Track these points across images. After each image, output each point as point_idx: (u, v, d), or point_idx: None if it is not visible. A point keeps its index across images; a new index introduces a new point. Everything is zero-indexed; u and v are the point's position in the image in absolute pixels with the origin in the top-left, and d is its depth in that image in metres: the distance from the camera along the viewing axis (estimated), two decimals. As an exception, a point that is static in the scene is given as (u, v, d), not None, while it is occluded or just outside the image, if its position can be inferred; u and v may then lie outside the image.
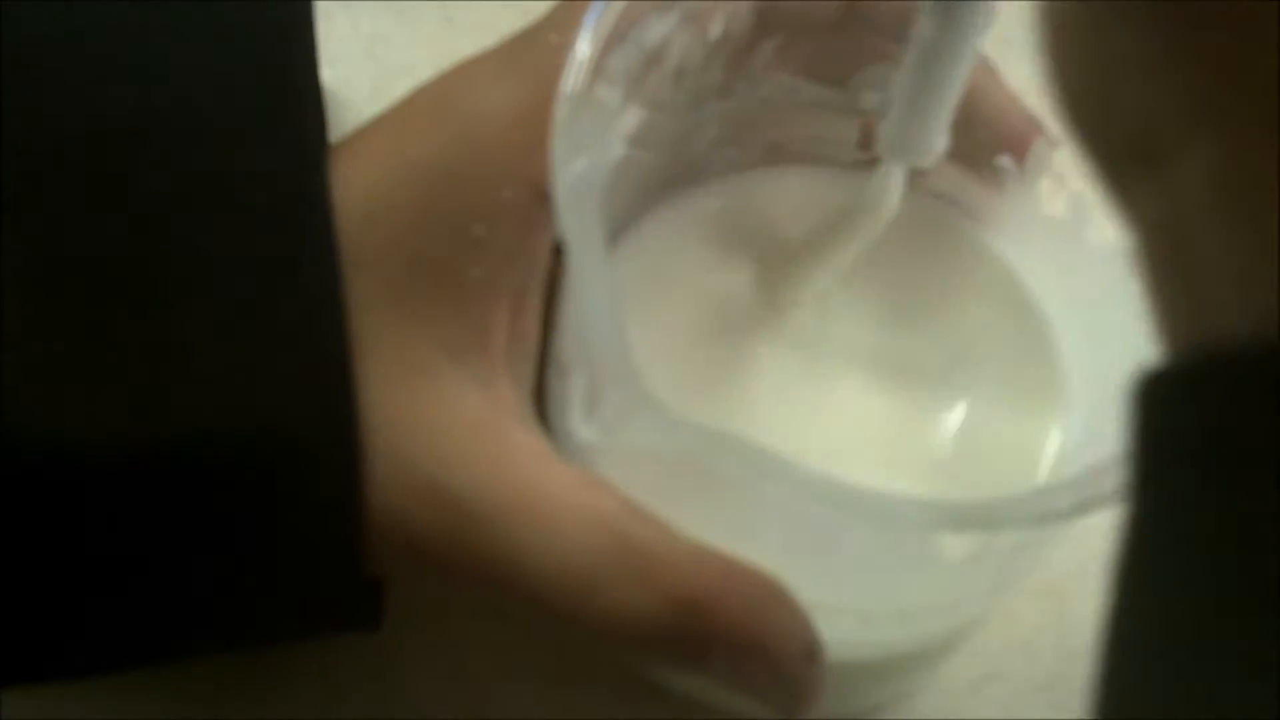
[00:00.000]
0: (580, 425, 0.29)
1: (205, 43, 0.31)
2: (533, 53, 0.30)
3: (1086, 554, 0.39)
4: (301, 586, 0.30)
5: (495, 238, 0.29)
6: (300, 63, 0.31)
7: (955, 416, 0.33)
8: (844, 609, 0.30)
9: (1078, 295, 0.34)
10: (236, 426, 0.28)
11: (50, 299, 0.28)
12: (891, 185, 0.32)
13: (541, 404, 0.32)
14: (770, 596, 0.28)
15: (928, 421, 0.33)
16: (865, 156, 0.35)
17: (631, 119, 0.30)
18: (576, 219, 0.26)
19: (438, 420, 0.29)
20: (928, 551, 0.27)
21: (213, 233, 0.29)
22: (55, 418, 0.27)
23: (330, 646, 0.36)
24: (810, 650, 0.28)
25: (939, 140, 0.31)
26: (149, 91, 0.30)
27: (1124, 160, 0.19)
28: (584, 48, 0.27)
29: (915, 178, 0.35)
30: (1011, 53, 0.33)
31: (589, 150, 0.27)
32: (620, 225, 0.34)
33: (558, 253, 0.31)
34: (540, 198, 0.29)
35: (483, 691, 0.36)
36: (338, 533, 0.29)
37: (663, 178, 0.34)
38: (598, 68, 0.28)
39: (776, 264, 0.34)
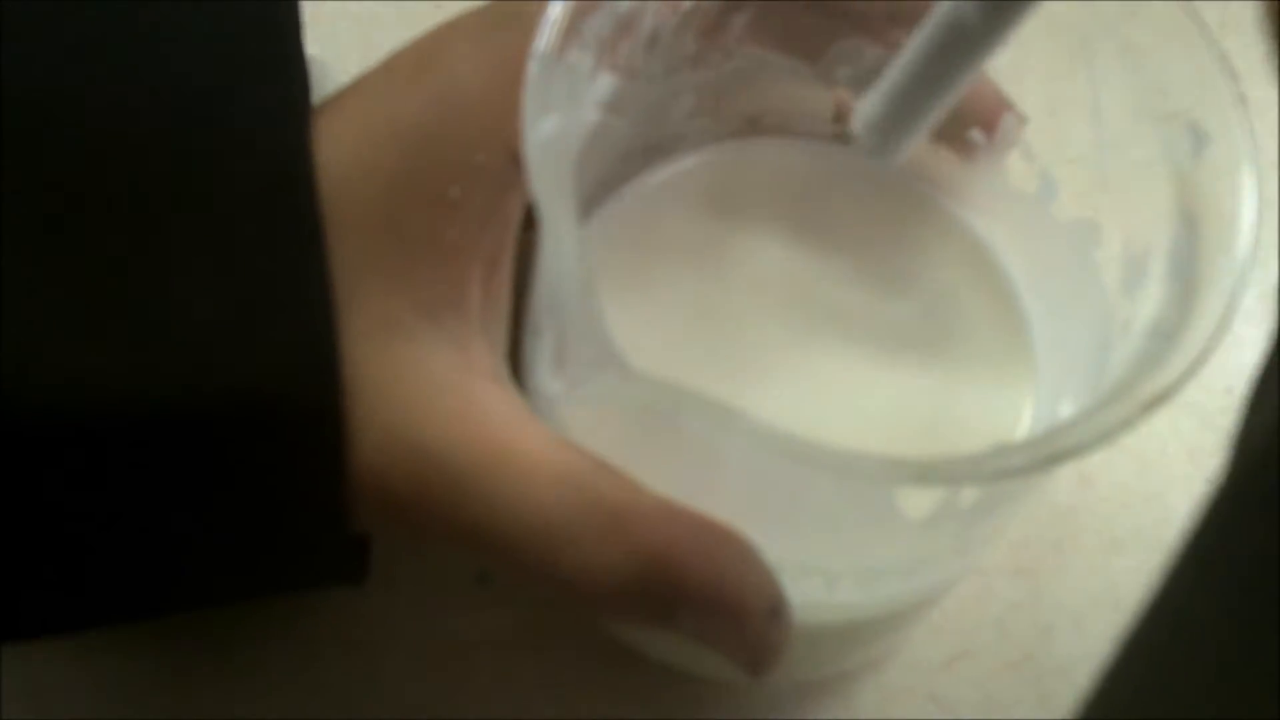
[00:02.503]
0: (548, 379, 0.29)
1: (189, 9, 0.31)
2: (509, 18, 0.30)
3: (1061, 533, 0.39)
4: (287, 541, 0.31)
5: (470, 200, 0.30)
6: (285, 28, 0.32)
7: (932, 384, 0.34)
8: (808, 569, 0.30)
9: (1044, 267, 0.34)
10: (222, 384, 0.28)
11: (37, 261, 0.28)
12: None
13: (517, 364, 0.32)
14: (736, 553, 0.29)
15: (905, 388, 0.34)
16: (840, 130, 0.36)
17: (604, 85, 0.30)
18: (545, 175, 0.26)
19: (414, 379, 0.29)
20: (888, 509, 0.28)
21: (198, 195, 0.29)
22: (43, 378, 0.28)
23: (307, 611, 0.37)
24: (775, 607, 0.29)
25: (920, 138, 0.30)
26: (132, 56, 0.30)
27: None
28: (556, 10, 0.28)
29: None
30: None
31: (560, 111, 0.28)
32: (598, 192, 0.35)
33: (530, 216, 0.31)
34: (514, 161, 0.29)
35: (461, 666, 0.37)
36: (322, 488, 0.29)
37: (640, 146, 0.35)
38: (570, 31, 0.28)
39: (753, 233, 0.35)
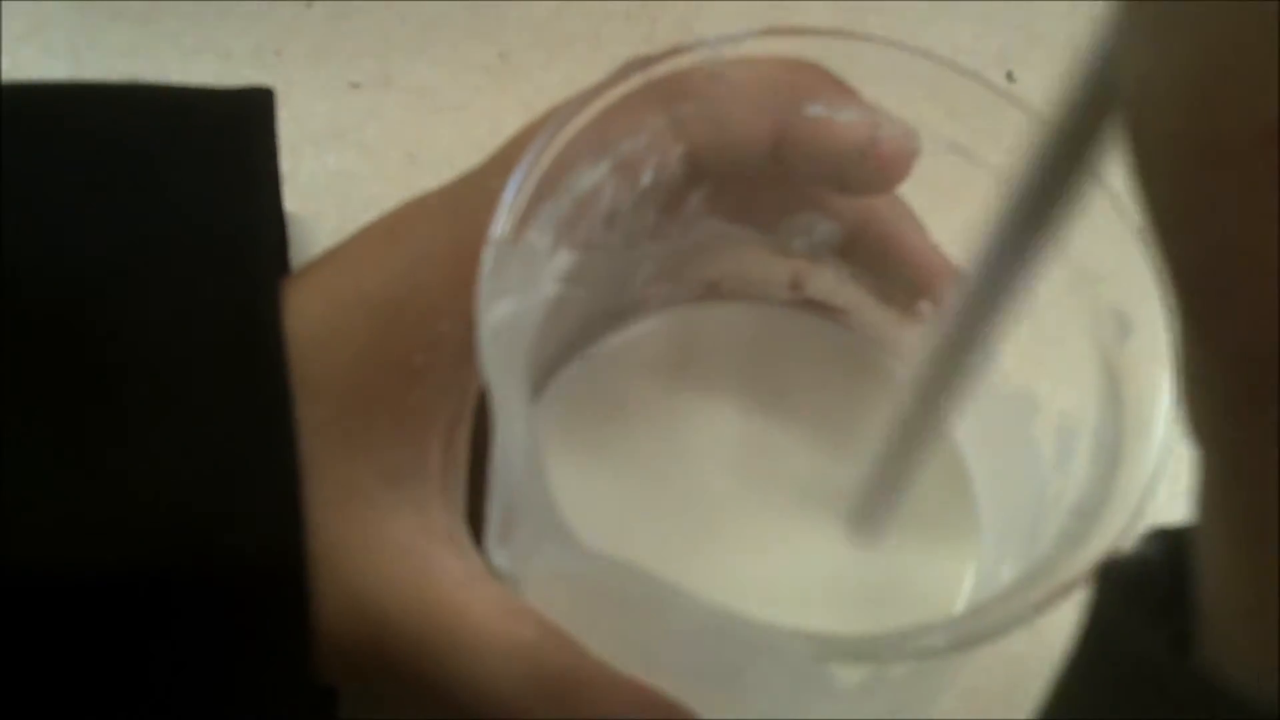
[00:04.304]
0: (495, 551, 0.31)
1: (170, 178, 0.33)
2: (473, 196, 0.32)
3: (1010, 682, 0.40)
4: (254, 698, 0.31)
5: (433, 367, 0.31)
6: (263, 195, 0.33)
7: (879, 549, 0.35)
8: (750, 730, 0.31)
9: (986, 434, 0.35)
10: (190, 546, 0.29)
11: (8, 426, 0.29)
12: None
13: (478, 523, 0.33)
14: None
15: (852, 555, 0.34)
16: (796, 296, 0.37)
17: (564, 260, 0.32)
18: (497, 358, 0.28)
19: (373, 544, 0.31)
20: (823, 679, 0.29)
21: (168, 359, 0.30)
22: (12, 537, 0.29)
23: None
24: None
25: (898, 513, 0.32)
26: (110, 219, 0.32)
27: None
28: (511, 197, 0.29)
29: (841, 315, 0.37)
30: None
31: (516, 293, 0.29)
32: (559, 357, 0.36)
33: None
34: (473, 329, 0.30)
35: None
36: (287, 649, 0.30)
37: (602, 312, 0.36)
38: (527, 214, 0.29)
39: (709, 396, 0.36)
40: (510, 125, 0.33)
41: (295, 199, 0.37)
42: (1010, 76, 0.48)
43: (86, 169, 0.32)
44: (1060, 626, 0.40)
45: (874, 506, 0.31)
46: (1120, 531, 0.27)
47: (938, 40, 0.47)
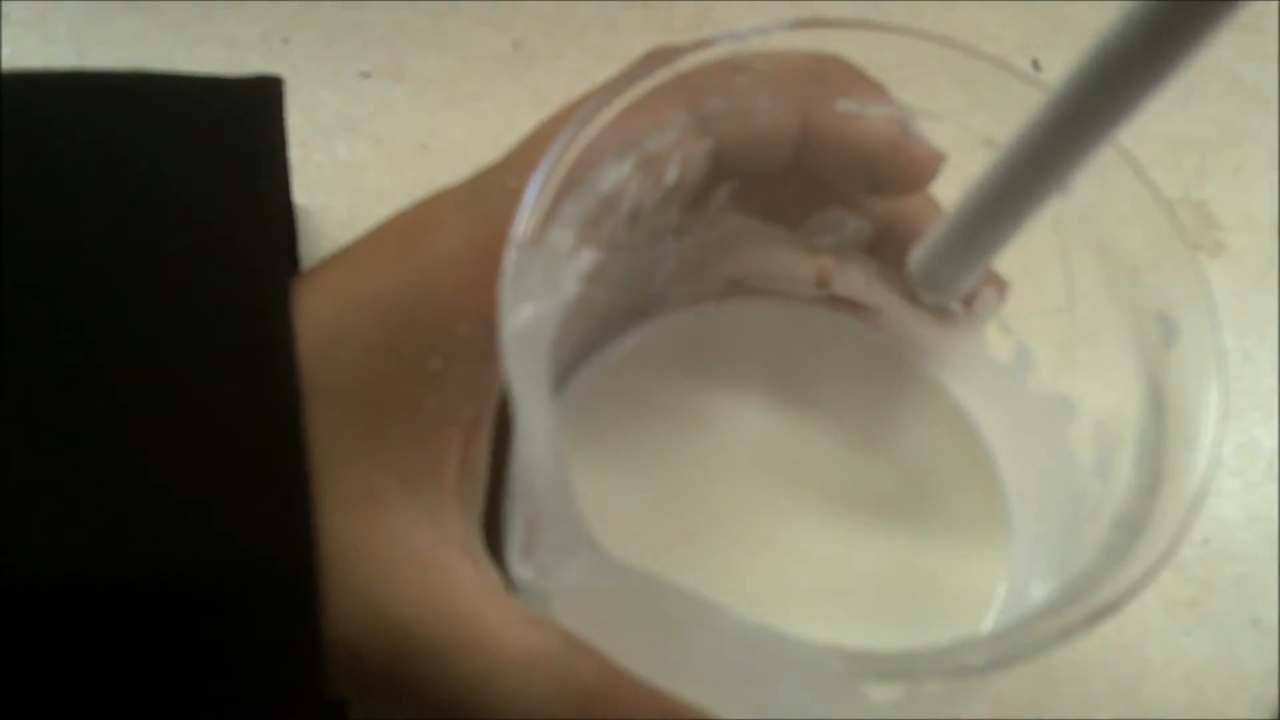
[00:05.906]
0: (517, 565, 0.30)
1: (176, 170, 0.32)
2: (492, 194, 0.31)
3: (1038, 687, 0.39)
4: (263, 707, 0.31)
5: (451, 370, 0.30)
6: (270, 191, 0.32)
7: (908, 551, 0.34)
8: (779, 745, 0.30)
9: (1020, 437, 0.34)
10: (199, 553, 0.29)
11: (14, 428, 0.29)
12: None
13: (495, 532, 0.32)
14: None
15: (880, 556, 0.34)
16: (822, 293, 0.36)
17: (586, 260, 0.31)
18: (520, 363, 0.27)
19: (386, 551, 0.30)
20: (857, 696, 0.28)
21: (176, 360, 0.30)
22: (18, 547, 0.28)
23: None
24: None
25: (971, 281, 0.31)
26: (116, 213, 0.31)
27: None
28: (533, 197, 0.28)
29: (869, 313, 0.36)
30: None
31: (539, 295, 0.28)
32: (578, 356, 0.35)
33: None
34: (494, 332, 0.30)
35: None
36: (297, 657, 0.30)
37: (623, 309, 0.35)
38: (550, 214, 0.28)
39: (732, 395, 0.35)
40: (523, 115, 0.33)
41: (304, 191, 0.36)
42: (1036, 65, 0.47)
43: (91, 162, 0.31)
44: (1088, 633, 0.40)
45: (942, 269, 0.30)
46: (1167, 547, 0.26)
47: (961, 28, 0.47)
